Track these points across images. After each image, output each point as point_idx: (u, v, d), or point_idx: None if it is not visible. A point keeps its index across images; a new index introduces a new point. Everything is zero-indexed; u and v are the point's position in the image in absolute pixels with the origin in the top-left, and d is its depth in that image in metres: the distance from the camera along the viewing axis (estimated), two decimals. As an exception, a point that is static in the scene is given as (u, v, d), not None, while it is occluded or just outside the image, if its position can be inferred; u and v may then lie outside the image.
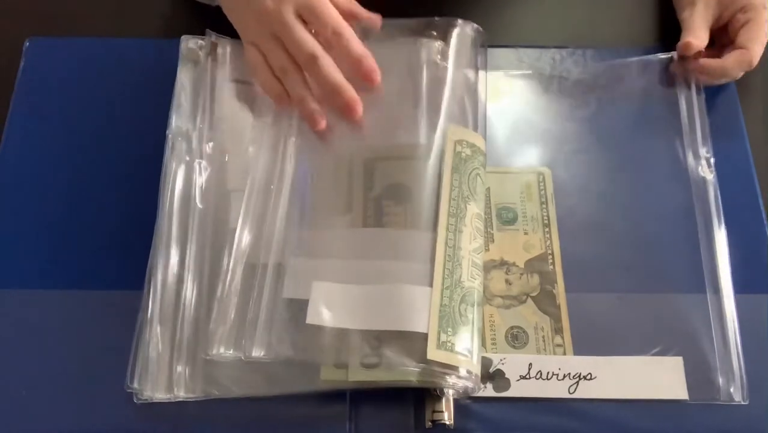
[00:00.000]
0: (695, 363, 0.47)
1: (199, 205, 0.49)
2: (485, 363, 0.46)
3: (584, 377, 0.46)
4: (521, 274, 0.49)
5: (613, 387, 0.46)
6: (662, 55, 0.56)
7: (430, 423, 0.45)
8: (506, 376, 0.46)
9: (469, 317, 0.45)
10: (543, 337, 0.47)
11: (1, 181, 0.52)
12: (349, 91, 0.50)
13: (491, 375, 0.46)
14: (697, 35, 0.54)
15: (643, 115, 0.55)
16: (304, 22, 0.50)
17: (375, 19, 0.52)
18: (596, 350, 0.47)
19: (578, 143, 0.54)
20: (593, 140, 0.54)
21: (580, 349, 0.47)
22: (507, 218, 0.51)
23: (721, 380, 0.46)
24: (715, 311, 0.48)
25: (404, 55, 0.53)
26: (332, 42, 0.50)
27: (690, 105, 0.54)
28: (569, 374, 0.46)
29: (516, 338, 0.47)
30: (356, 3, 0.52)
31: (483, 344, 0.47)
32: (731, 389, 0.46)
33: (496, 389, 0.46)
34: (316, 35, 0.50)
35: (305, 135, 0.51)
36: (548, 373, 0.46)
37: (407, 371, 0.43)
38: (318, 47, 0.49)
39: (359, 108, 0.50)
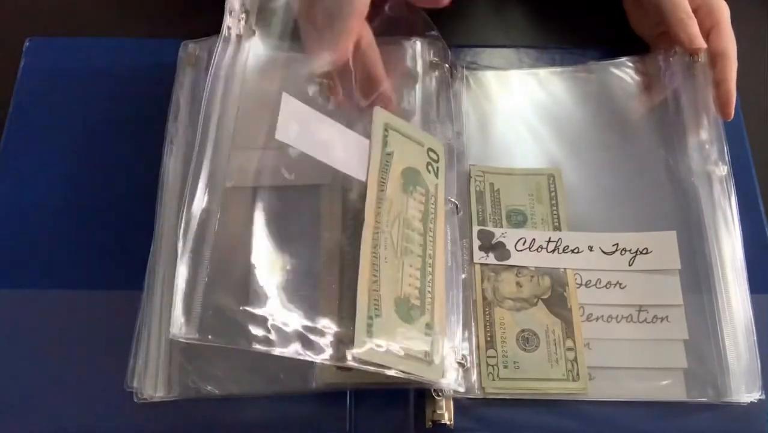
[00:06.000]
0: (697, 362, 0.47)
1: (196, 203, 0.49)
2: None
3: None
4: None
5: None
6: (663, 54, 0.56)
7: (430, 423, 0.45)
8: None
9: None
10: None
11: (1, 181, 0.52)
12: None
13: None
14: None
15: (647, 113, 0.55)
16: None
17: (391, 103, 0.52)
18: (608, 352, 0.47)
19: (583, 143, 0.54)
20: (598, 140, 0.54)
21: (591, 354, 0.47)
22: (517, 220, 0.51)
23: (722, 380, 0.46)
24: (717, 312, 0.48)
25: (389, 56, 0.53)
26: None
27: (693, 100, 0.54)
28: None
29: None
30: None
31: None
32: (733, 390, 0.46)
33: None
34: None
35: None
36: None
37: (377, 373, 0.43)
38: None
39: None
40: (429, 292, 0.46)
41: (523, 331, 0.48)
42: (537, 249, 0.50)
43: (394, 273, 0.45)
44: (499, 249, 0.50)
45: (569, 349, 0.47)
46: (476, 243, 0.50)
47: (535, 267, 0.49)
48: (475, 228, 0.51)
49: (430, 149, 0.50)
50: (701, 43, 0.52)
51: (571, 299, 0.49)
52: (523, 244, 0.50)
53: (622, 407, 0.46)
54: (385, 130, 0.48)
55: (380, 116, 0.48)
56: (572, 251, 0.50)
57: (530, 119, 0.55)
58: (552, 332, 0.48)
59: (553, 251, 0.50)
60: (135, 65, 0.56)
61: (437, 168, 0.49)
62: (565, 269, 0.50)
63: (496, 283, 0.49)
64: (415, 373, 0.43)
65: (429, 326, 0.45)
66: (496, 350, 0.47)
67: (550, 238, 0.50)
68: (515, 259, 0.50)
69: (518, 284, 0.49)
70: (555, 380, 0.46)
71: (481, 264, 0.49)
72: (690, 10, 0.53)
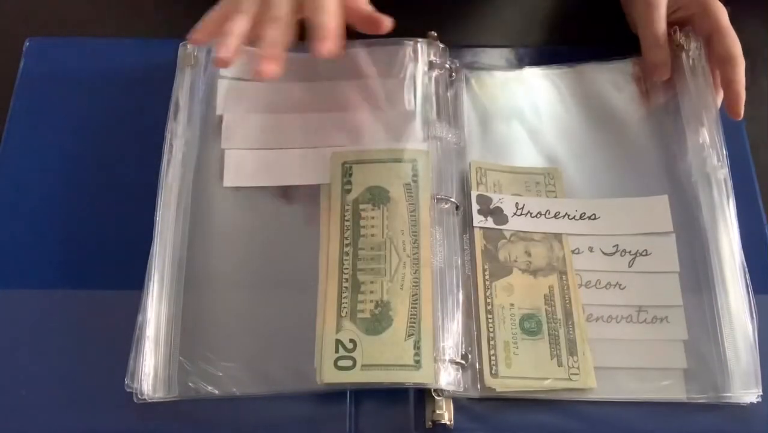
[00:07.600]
0: (696, 362, 0.47)
1: (196, 203, 0.49)
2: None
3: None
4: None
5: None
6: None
7: (430, 423, 0.45)
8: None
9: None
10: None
11: (1, 181, 0.52)
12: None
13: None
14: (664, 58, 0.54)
15: (646, 114, 0.55)
16: None
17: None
18: (608, 353, 0.47)
19: (583, 143, 0.54)
20: (597, 140, 0.54)
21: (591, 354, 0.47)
22: None
23: (722, 380, 0.46)
24: (717, 312, 0.47)
25: (389, 56, 0.54)
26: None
27: (692, 101, 0.53)
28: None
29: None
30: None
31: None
32: (733, 390, 0.46)
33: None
34: None
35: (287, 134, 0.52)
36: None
37: (380, 374, 0.44)
38: None
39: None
40: (413, 298, 0.46)
41: (523, 320, 0.47)
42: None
43: (354, 291, 0.47)
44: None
45: (570, 341, 0.47)
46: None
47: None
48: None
49: (401, 159, 0.50)
50: (662, 74, 0.54)
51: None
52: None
53: (622, 407, 0.46)
54: (345, 167, 0.50)
55: (337, 157, 0.51)
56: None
57: (530, 119, 0.55)
58: (552, 319, 0.47)
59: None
60: (135, 65, 0.56)
61: (416, 172, 0.50)
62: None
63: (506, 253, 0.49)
64: (399, 381, 0.44)
65: (410, 332, 0.45)
66: (495, 347, 0.47)
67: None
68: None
69: (526, 253, 0.50)
70: (557, 379, 0.46)
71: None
72: (660, 35, 0.53)
